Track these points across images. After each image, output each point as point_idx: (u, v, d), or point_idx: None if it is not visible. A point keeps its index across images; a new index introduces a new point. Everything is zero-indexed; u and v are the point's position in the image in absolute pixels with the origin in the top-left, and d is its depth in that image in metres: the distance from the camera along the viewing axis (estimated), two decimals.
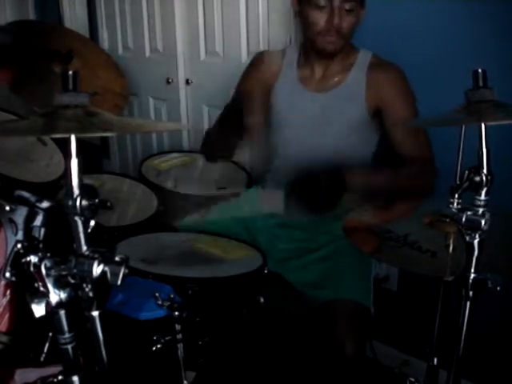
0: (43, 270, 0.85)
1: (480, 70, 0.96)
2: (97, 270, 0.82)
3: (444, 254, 1.13)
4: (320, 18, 1.59)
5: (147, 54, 2.88)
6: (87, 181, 0.83)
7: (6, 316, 1.10)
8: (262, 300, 1.48)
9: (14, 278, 0.94)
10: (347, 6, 1.57)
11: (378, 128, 1.73)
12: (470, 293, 0.99)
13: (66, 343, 0.91)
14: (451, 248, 1.12)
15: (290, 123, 1.78)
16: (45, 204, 1.08)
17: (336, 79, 1.72)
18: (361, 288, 1.61)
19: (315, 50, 1.68)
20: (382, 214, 1.37)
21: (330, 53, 1.66)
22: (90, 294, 0.85)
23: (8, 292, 1.09)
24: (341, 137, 1.72)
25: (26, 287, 0.88)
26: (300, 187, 1.53)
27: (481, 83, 0.96)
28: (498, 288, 0.98)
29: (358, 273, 1.65)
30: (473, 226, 0.95)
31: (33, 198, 1.09)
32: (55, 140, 1.88)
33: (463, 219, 0.96)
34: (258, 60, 1.89)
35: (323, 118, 1.72)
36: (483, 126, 0.94)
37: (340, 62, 1.71)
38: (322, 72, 1.74)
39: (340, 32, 1.60)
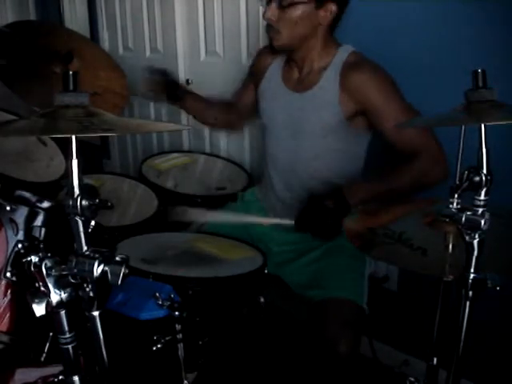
0: (44, 270, 0.86)
1: (480, 70, 0.96)
2: (97, 269, 0.82)
3: (435, 253, 1.13)
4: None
5: (147, 54, 2.88)
6: (87, 181, 0.84)
7: (7, 316, 1.10)
8: (262, 300, 1.48)
9: (14, 278, 0.94)
10: (284, 3, 1.55)
11: (366, 128, 1.67)
12: (470, 293, 0.99)
13: (67, 343, 0.91)
14: (450, 248, 1.12)
15: (273, 121, 1.77)
16: (45, 204, 1.08)
17: (311, 80, 1.68)
18: (353, 287, 1.61)
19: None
20: (381, 216, 1.37)
21: (276, 48, 1.65)
22: (91, 294, 0.85)
23: (9, 292, 1.09)
24: (317, 138, 1.68)
25: (26, 287, 0.88)
26: (308, 219, 1.55)
27: (481, 83, 0.96)
28: (498, 288, 0.98)
29: (351, 272, 1.64)
30: (472, 225, 0.95)
31: (33, 198, 1.09)
32: (56, 140, 1.88)
33: (463, 219, 0.96)
34: (258, 53, 1.91)
35: (301, 119, 1.69)
36: (483, 126, 0.94)
37: (316, 60, 1.67)
38: (298, 71, 1.72)
39: (276, 27, 1.59)
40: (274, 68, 1.79)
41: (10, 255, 0.94)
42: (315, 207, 1.55)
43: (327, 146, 1.69)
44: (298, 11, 1.56)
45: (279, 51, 1.72)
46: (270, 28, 1.62)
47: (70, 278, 0.85)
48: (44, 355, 1.22)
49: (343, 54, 1.65)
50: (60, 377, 1.09)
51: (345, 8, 1.63)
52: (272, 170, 1.81)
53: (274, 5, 1.57)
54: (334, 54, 1.66)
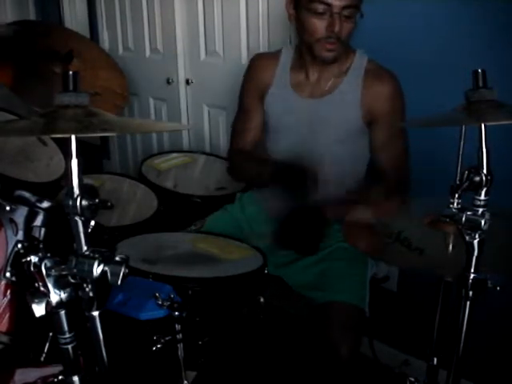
0: (43, 270, 0.86)
1: (480, 70, 0.96)
2: (97, 270, 0.82)
3: (433, 253, 1.14)
4: (319, 25, 1.55)
5: (147, 54, 2.88)
6: (87, 181, 0.84)
7: (6, 316, 1.10)
8: (262, 300, 1.48)
9: (14, 278, 0.94)
10: (346, 13, 1.52)
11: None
12: (470, 293, 0.99)
13: (67, 343, 0.91)
14: (450, 248, 1.12)
15: (283, 129, 1.75)
16: (45, 204, 1.08)
17: (331, 84, 1.68)
18: (355, 290, 1.61)
19: (312, 56, 1.64)
20: (377, 209, 1.37)
21: (329, 60, 1.62)
22: (91, 294, 0.85)
23: (8, 292, 1.09)
24: (334, 143, 1.69)
25: (26, 287, 0.88)
26: (289, 237, 1.59)
27: (481, 83, 0.96)
28: (498, 288, 0.98)
29: (353, 275, 1.64)
30: (473, 225, 0.95)
31: (33, 198, 1.09)
32: (56, 140, 1.88)
33: (463, 219, 0.96)
34: (252, 64, 1.84)
35: (317, 124, 1.69)
36: (483, 126, 0.94)
37: (336, 66, 1.67)
38: (317, 76, 1.70)
39: (339, 39, 1.56)
40: (280, 75, 1.75)
41: (10, 255, 0.94)
42: (295, 226, 1.58)
43: (340, 151, 1.70)
44: (353, 20, 1.56)
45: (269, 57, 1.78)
46: (332, 41, 1.56)
47: (69, 278, 0.85)
48: (44, 355, 1.22)
49: (362, 59, 1.68)
50: (60, 377, 1.09)
51: None
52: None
53: (338, 18, 1.53)
54: (352, 57, 1.68)
